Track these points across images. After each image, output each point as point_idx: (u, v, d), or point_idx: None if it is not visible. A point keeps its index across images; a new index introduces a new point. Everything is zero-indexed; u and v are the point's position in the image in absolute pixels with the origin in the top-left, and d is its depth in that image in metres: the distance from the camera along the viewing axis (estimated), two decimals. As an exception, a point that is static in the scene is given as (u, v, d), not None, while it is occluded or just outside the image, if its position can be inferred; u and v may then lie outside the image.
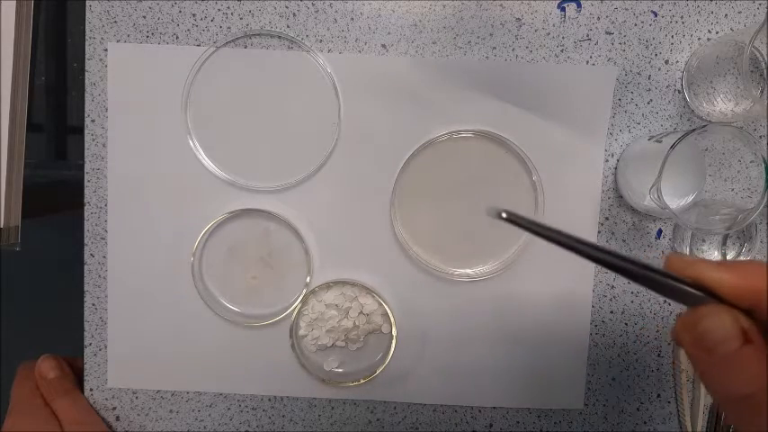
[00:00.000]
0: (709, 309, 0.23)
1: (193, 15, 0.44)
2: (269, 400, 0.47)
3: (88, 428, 0.44)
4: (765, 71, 0.40)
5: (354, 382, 0.44)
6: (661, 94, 0.44)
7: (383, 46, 0.44)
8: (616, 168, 0.45)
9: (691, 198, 0.42)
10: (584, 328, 0.46)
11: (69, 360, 0.47)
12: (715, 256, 0.43)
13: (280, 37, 0.44)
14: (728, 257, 0.42)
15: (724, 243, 0.39)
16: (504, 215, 0.26)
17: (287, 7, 0.44)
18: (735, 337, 0.22)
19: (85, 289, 0.46)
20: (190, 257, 0.45)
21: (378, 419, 0.47)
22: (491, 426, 0.47)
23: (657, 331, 0.46)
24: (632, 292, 0.46)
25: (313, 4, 0.44)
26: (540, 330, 0.46)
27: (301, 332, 0.45)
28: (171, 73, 0.44)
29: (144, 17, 0.44)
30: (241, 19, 0.44)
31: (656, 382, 0.47)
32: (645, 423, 0.47)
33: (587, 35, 0.44)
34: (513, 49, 0.44)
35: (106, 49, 0.44)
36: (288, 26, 0.44)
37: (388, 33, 0.44)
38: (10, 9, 0.43)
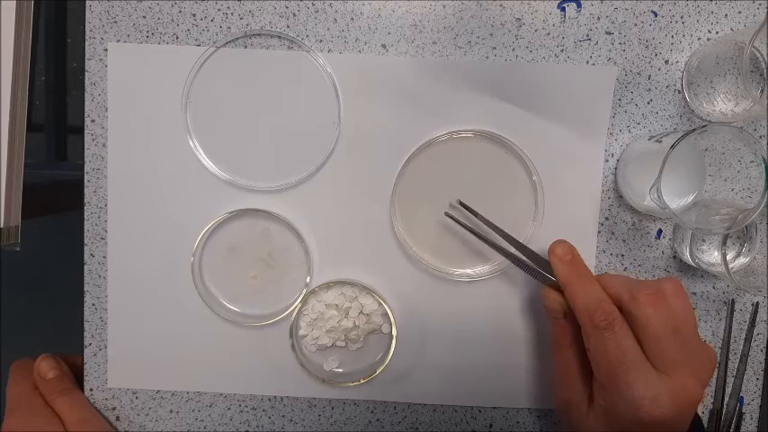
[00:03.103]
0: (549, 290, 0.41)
1: (193, 15, 0.44)
2: (269, 400, 0.47)
3: (91, 427, 0.44)
4: (765, 71, 0.40)
5: (354, 382, 0.44)
6: (661, 94, 0.44)
7: (383, 46, 0.44)
8: (616, 168, 0.45)
9: (691, 198, 0.42)
10: (584, 328, 0.46)
11: (67, 358, 0.47)
12: (715, 256, 0.43)
13: (280, 37, 0.44)
14: (728, 257, 0.42)
15: (724, 243, 0.39)
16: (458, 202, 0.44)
17: (287, 7, 0.44)
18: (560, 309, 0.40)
19: (85, 289, 0.46)
20: (190, 257, 0.45)
21: (378, 419, 0.47)
22: (491, 426, 0.47)
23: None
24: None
25: (313, 4, 0.44)
26: (539, 330, 0.46)
27: (301, 332, 0.45)
28: (171, 73, 0.44)
29: (144, 17, 0.44)
30: (241, 19, 0.44)
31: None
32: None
33: (587, 35, 0.44)
34: (513, 49, 0.44)
35: (106, 49, 0.44)
36: (288, 26, 0.44)
37: (388, 33, 0.44)
38: (10, 9, 0.43)
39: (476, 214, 0.43)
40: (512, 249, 0.42)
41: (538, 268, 0.42)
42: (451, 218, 0.43)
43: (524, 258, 0.42)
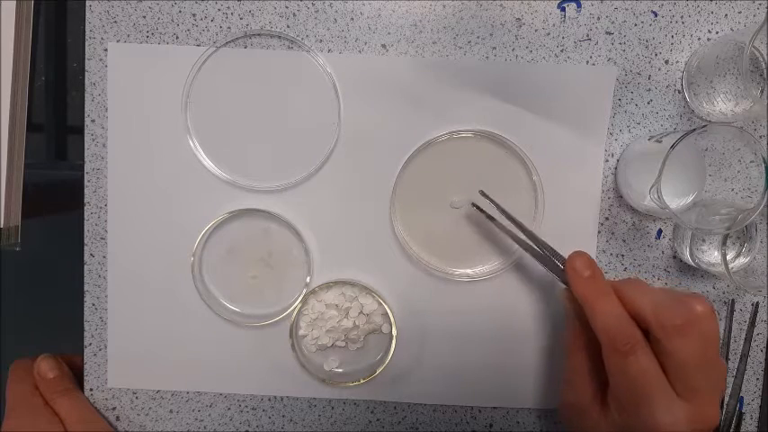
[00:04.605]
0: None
1: (193, 15, 0.44)
2: (269, 400, 0.47)
3: (91, 427, 0.44)
4: (765, 71, 0.40)
5: (354, 382, 0.44)
6: (661, 94, 0.44)
7: (383, 46, 0.44)
8: (616, 168, 0.45)
9: (691, 198, 0.42)
10: (584, 328, 0.46)
11: (67, 358, 0.47)
12: (715, 256, 0.43)
13: (280, 37, 0.44)
14: (728, 257, 0.42)
15: (724, 243, 0.39)
16: (473, 204, 0.43)
17: (287, 7, 0.44)
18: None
19: (85, 289, 0.46)
20: (190, 257, 0.45)
21: (378, 419, 0.47)
22: (491, 426, 0.47)
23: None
24: (632, 292, 0.46)
25: (313, 4, 0.44)
26: (539, 330, 0.46)
27: (301, 332, 0.45)
28: (171, 73, 0.44)
29: (144, 17, 0.44)
30: (241, 19, 0.44)
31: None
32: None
33: (587, 35, 0.44)
34: (513, 49, 0.44)
35: (106, 49, 0.44)
36: (288, 26, 0.44)
37: (388, 33, 0.44)
38: (10, 9, 0.43)
39: (497, 205, 0.42)
40: (529, 242, 0.41)
41: (556, 262, 0.41)
42: (478, 208, 0.43)
43: (541, 251, 0.41)
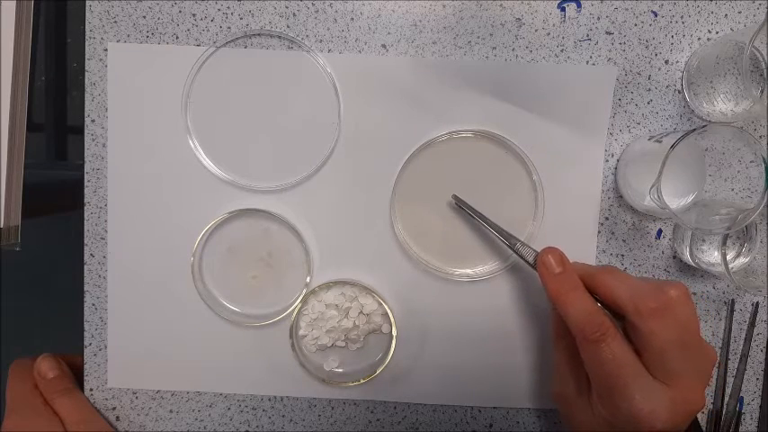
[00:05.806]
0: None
1: (193, 15, 0.44)
2: (269, 400, 0.47)
3: (91, 427, 0.44)
4: (765, 71, 0.40)
5: (354, 382, 0.44)
6: (661, 94, 0.44)
7: (383, 46, 0.44)
8: (616, 168, 0.45)
9: (691, 198, 0.42)
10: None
11: (67, 358, 0.47)
12: (715, 256, 0.43)
13: (280, 37, 0.44)
14: (728, 257, 0.42)
15: (724, 243, 0.39)
16: (453, 199, 0.44)
17: (287, 7, 0.44)
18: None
19: (85, 289, 0.46)
20: (190, 257, 0.45)
21: (378, 419, 0.47)
22: (491, 426, 0.47)
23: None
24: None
25: (313, 4, 0.44)
26: (539, 330, 0.46)
27: (301, 332, 0.45)
28: (171, 73, 0.44)
29: (144, 17, 0.44)
30: (241, 19, 0.44)
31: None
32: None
33: (587, 35, 0.44)
34: (513, 49, 0.44)
35: (106, 49, 0.44)
36: (288, 26, 0.44)
37: (388, 33, 0.44)
38: (10, 9, 0.43)
39: (472, 209, 0.43)
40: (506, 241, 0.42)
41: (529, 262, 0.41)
42: (458, 200, 0.43)
43: (516, 251, 0.41)
